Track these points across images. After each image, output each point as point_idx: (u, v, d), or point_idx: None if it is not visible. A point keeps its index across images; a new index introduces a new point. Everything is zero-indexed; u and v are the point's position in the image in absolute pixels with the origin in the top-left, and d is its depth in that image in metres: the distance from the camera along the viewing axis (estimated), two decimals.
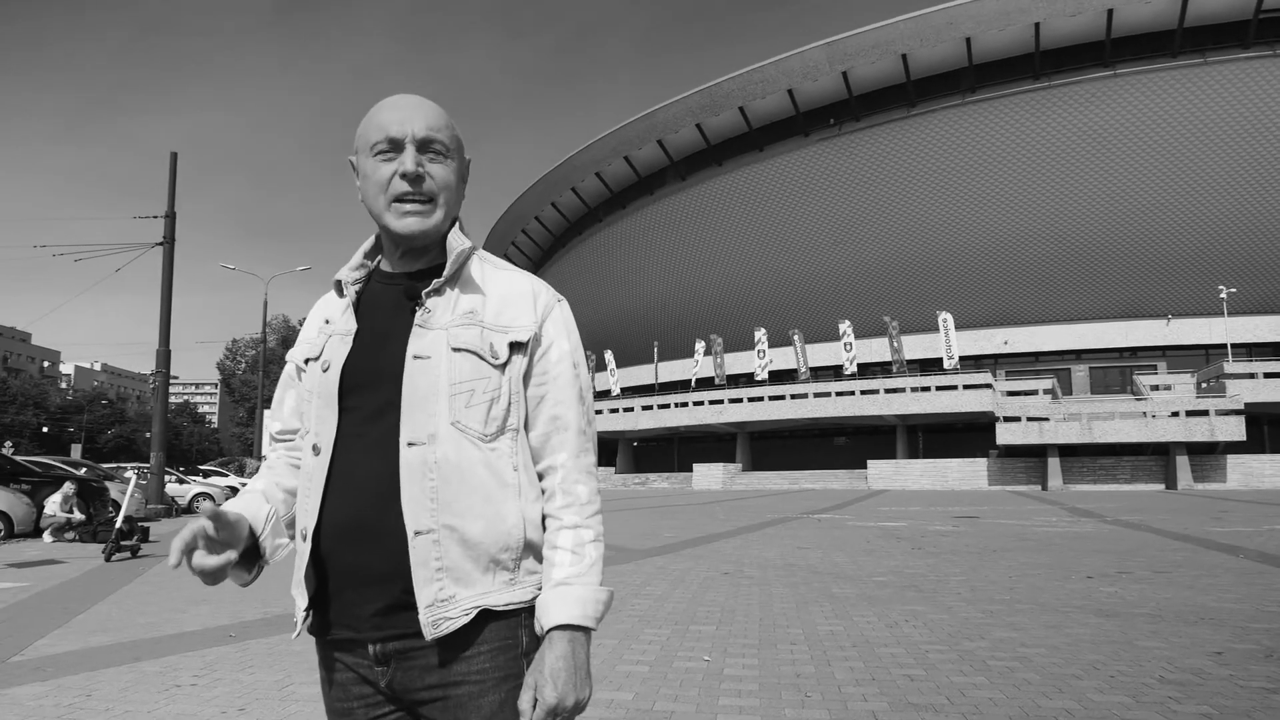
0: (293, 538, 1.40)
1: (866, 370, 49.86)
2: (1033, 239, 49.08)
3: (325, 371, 1.36)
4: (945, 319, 45.58)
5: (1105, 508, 22.15)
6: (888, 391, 45.27)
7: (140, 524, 12.23)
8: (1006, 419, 40.64)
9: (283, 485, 1.45)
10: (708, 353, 54.68)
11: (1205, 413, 37.67)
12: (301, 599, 1.33)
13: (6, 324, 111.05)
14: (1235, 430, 37.08)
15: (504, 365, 1.34)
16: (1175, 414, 38.23)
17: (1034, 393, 42.44)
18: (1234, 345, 44.16)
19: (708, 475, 48.90)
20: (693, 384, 54.28)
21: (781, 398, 48.70)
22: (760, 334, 51.56)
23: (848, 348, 48.10)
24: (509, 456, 1.33)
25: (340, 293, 1.43)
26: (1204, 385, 41.55)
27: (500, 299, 1.38)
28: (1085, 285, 48.92)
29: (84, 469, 22.76)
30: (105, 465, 27.55)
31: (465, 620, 1.26)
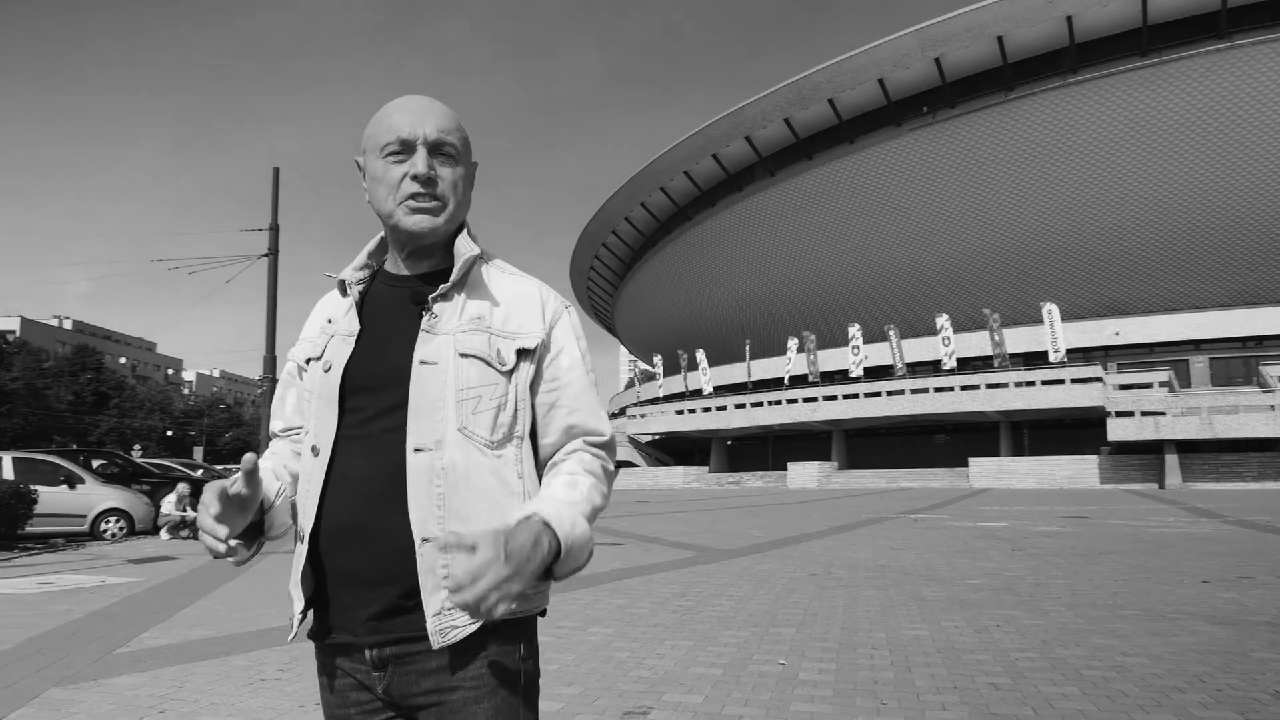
0: (295, 519, 1.39)
1: (966, 365, 48.31)
2: (1144, 223, 46.66)
3: (326, 372, 1.35)
4: (1050, 310, 43.78)
5: (1228, 507, 20.89)
6: (989, 387, 43.81)
7: None
8: (1118, 414, 38.85)
9: (289, 468, 1.45)
10: (800, 350, 53.98)
11: None
12: (298, 600, 1.32)
13: (134, 334, 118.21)
14: None
15: (511, 372, 1.33)
16: None
17: (1149, 386, 40.34)
18: None
19: (802, 474, 48.25)
20: (786, 382, 53.66)
21: (877, 394, 47.69)
22: (854, 330, 50.59)
23: (946, 342, 46.71)
24: (514, 464, 1.32)
25: (343, 292, 1.42)
26: None
27: (508, 304, 1.37)
28: (1203, 270, 46.26)
29: (200, 470, 24.01)
30: (219, 466, 28.97)
31: (472, 629, 1.25)
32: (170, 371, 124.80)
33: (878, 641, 5.37)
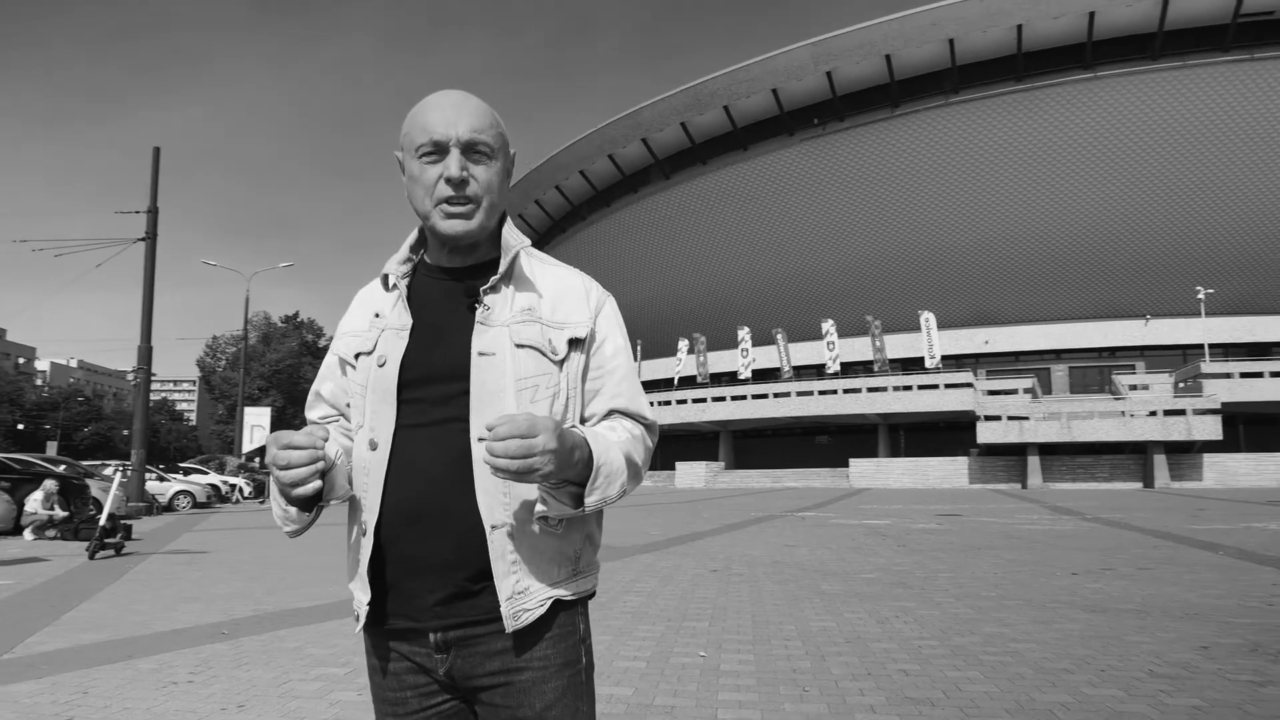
0: (356, 510, 1.38)
1: (849, 369, 50.01)
2: (1014, 239, 49.45)
3: (381, 366, 1.36)
4: (927, 318, 45.84)
5: (1085, 506, 22.38)
6: (870, 390, 45.45)
7: (123, 521, 12.13)
8: (987, 418, 40.93)
9: (340, 442, 1.44)
10: (691, 351, 54.73)
11: (1182, 412, 38.10)
12: (364, 593, 1.34)
13: None
14: (1212, 429, 37.53)
15: (563, 361, 1.36)
16: (1153, 413, 38.65)
17: (1014, 392, 42.74)
18: (1211, 345, 44.64)
19: (690, 473, 48.98)
20: (675, 382, 54.31)
21: (765, 396, 48.80)
22: (744, 333, 51.65)
23: (830, 347, 48.27)
24: None
25: (387, 286, 1.43)
26: (1181, 385, 42.02)
27: (553, 295, 1.40)
28: (1065, 285, 49.35)
29: (63, 466, 22.51)
30: (84, 463, 27.26)
31: (541, 611, 1.30)
32: (21, 360, 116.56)
33: (789, 633, 5.60)
